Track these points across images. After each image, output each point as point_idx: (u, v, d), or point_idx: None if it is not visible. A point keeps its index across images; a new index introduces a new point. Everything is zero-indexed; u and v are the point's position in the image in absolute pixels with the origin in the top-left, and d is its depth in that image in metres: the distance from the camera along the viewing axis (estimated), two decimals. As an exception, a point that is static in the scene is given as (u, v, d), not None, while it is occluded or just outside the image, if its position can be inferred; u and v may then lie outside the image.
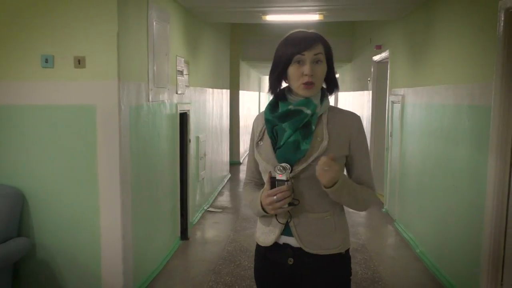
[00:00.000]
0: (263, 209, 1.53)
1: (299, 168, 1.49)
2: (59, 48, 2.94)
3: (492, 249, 2.89)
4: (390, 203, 5.62)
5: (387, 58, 5.82)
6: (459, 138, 3.39)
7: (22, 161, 3.03)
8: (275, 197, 1.45)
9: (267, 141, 1.58)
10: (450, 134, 3.55)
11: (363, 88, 7.68)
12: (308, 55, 1.48)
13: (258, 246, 1.67)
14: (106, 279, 3.10)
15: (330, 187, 1.44)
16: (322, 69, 1.51)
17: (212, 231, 5.01)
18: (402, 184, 5.06)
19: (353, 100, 8.99)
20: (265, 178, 1.59)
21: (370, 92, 6.85)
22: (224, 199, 6.40)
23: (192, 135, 4.90)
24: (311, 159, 1.49)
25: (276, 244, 1.58)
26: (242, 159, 9.97)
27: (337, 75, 7.29)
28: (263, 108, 1.58)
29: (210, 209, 5.80)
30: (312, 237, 1.53)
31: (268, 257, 1.62)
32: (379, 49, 6.18)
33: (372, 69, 6.74)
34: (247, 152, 1.73)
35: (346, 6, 4.67)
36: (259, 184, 1.72)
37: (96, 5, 2.91)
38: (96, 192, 3.03)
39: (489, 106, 2.88)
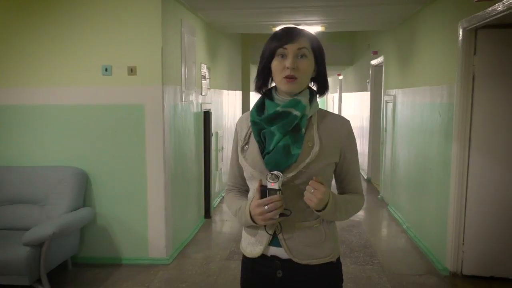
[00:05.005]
0: (252, 219, 1.45)
1: (289, 174, 1.41)
2: (116, 59, 3.78)
3: (456, 217, 3.65)
4: (384, 191, 6.40)
5: (382, 63, 6.60)
6: (433, 130, 4.17)
7: (87, 149, 3.87)
8: (266, 207, 1.38)
9: (253, 146, 1.49)
10: (428, 127, 4.34)
11: (363, 89, 8.46)
12: (290, 49, 1.41)
13: (244, 257, 1.60)
14: (151, 241, 3.93)
15: (320, 210, 1.41)
16: (306, 64, 1.43)
17: (230, 213, 5.82)
18: (393, 173, 5.84)
19: (355, 100, 9.77)
20: (250, 184, 1.54)
21: (369, 92, 7.64)
22: (238, 188, 7.21)
23: (213, 131, 5.71)
24: (302, 165, 1.41)
25: (263, 256, 1.51)
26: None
27: (340, 77, 8.39)
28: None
29: (227, 196, 6.61)
30: (301, 247, 1.47)
31: (255, 269, 1.54)
32: (375, 54, 6.96)
33: (370, 72, 7.52)
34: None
35: (344, 19, 5.49)
36: (243, 190, 1.64)
37: (145, 26, 3.73)
38: (144, 173, 3.86)
39: (452, 103, 3.66)
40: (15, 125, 3.88)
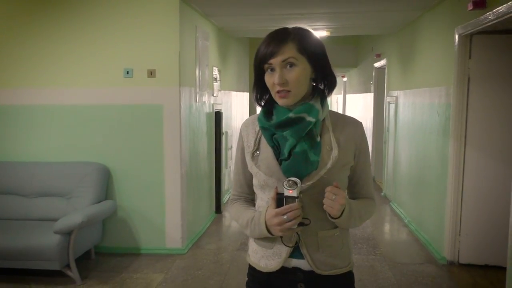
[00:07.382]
0: (267, 229, 1.36)
1: (309, 182, 1.33)
2: (137, 63, 4.07)
3: (453, 210, 3.91)
4: (387, 188, 6.66)
5: (385, 65, 6.86)
6: (432, 128, 4.44)
7: (109, 145, 4.16)
8: (285, 216, 1.28)
9: (266, 152, 1.40)
10: (427, 126, 4.61)
11: (366, 90, 8.73)
12: (275, 63, 1.32)
13: (254, 270, 1.47)
14: (168, 231, 4.21)
15: (339, 216, 1.33)
16: (295, 73, 1.32)
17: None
18: (396, 171, 6.11)
19: (359, 101, 10.04)
20: (262, 193, 1.44)
21: (372, 94, 7.90)
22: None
23: (223, 130, 6.00)
24: (323, 171, 1.34)
25: (282, 268, 1.41)
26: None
27: (344, 79, 8.79)
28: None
29: (236, 193, 6.90)
30: (324, 257, 1.39)
31: (271, 284, 1.44)
32: (378, 57, 7.23)
33: (373, 74, 7.79)
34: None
35: (348, 25, 5.77)
36: (249, 200, 1.54)
37: (164, 32, 4.02)
38: (162, 168, 4.14)
39: (450, 104, 3.93)
40: (44, 123, 4.19)
